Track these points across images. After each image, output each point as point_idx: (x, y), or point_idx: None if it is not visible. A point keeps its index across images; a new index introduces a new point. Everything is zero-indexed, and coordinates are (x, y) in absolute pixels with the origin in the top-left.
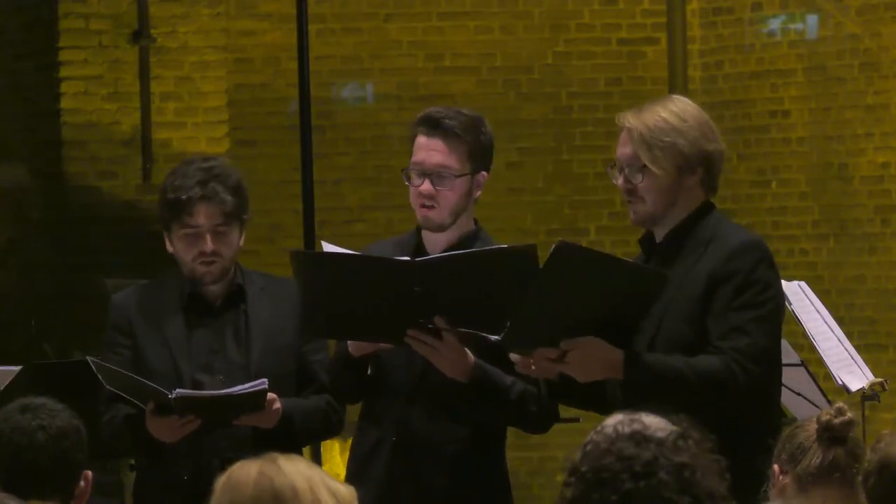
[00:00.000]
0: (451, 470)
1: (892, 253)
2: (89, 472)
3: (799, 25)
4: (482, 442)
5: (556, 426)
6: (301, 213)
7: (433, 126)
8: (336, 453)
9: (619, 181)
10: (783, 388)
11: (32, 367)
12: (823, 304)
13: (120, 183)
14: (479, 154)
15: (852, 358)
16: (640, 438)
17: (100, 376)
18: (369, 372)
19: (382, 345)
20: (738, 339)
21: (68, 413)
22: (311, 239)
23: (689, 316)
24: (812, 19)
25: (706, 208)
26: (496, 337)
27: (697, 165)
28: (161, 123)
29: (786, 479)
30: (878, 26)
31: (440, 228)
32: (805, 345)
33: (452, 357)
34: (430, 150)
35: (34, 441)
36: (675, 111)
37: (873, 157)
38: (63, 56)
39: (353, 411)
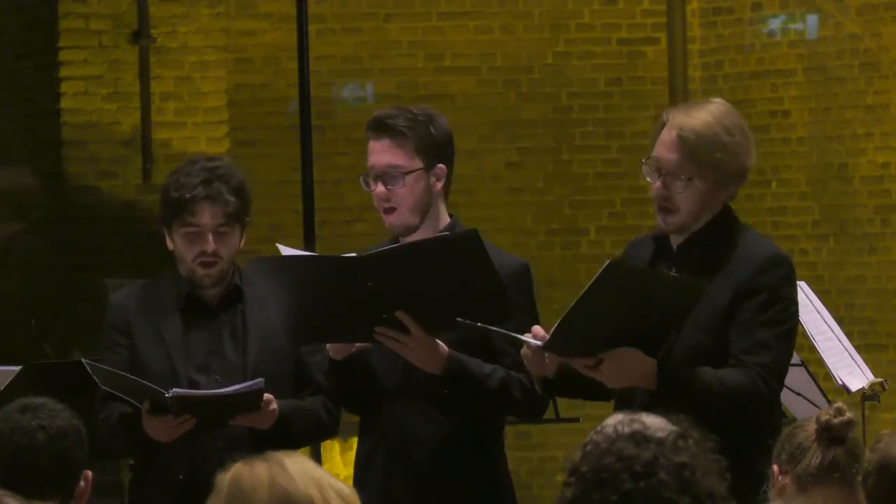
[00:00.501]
0: (447, 466)
1: (892, 253)
2: (89, 472)
3: (799, 25)
4: (475, 436)
5: (556, 426)
6: (301, 213)
7: (378, 128)
8: (336, 453)
9: (656, 184)
10: (783, 388)
11: (32, 367)
12: (823, 304)
13: (120, 183)
14: (430, 148)
15: (852, 358)
16: (640, 438)
17: (95, 378)
18: (356, 372)
19: (359, 345)
20: (763, 355)
21: (68, 413)
22: (311, 239)
23: (709, 326)
24: (812, 19)
25: (726, 214)
26: (538, 343)
27: (734, 181)
28: (161, 123)
29: (785, 480)
30: (878, 26)
31: (407, 230)
32: (805, 345)
33: (422, 350)
34: (378, 151)
35: (34, 441)
36: (725, 123)
37: (873, 157)
38: (63, 56)
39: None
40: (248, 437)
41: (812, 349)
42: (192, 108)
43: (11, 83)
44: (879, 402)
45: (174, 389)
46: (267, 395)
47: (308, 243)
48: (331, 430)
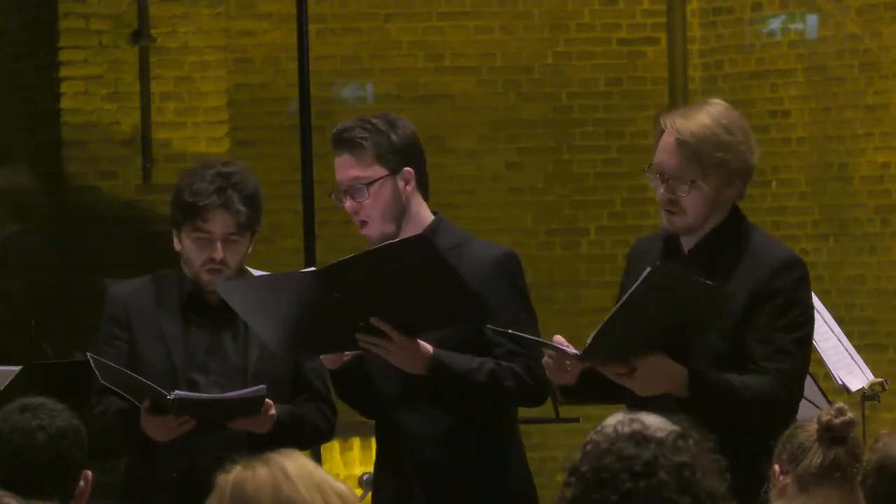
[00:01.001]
0: (454, 466)
1: (892, 253)
2: (89, 472)
3: (799, 25)
4: (479, 433)
5: (557, 426)
6: (301, 213)
7: (337, 143)
8: (336, 453)
9: (661, 190)
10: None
11: (32, 367)
12: (823, 304)
13: (120, 183)
14: (391, 153)
15: (852, 358)
16: (640, 438)
17: (97, 373)
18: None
19: (349, 353)
20: (783, 360)
21: (68, 413)
22: (311, 239)
23: (725, 329)
24: (812, 19)
25: (736, 216)
26: (575, 351)
27: (739, 179)
28: (161, 123)
29: (786, 480)
30: (878, 26)
31: (386, 238)
32: None
33: (405, 353)
34: (340, 167)
35: (34, 441)
36: (724, 122)
37: (873, 157)
38: (63, 56)
39: (350, 412)
40: (244, 437)
41: (812, 349)
42: (192, 108)
43: (11, 83)
44: (879, 402)
45: (176, 391)
46: (266, 401)
47: (308, 243)
48: (327, 435)
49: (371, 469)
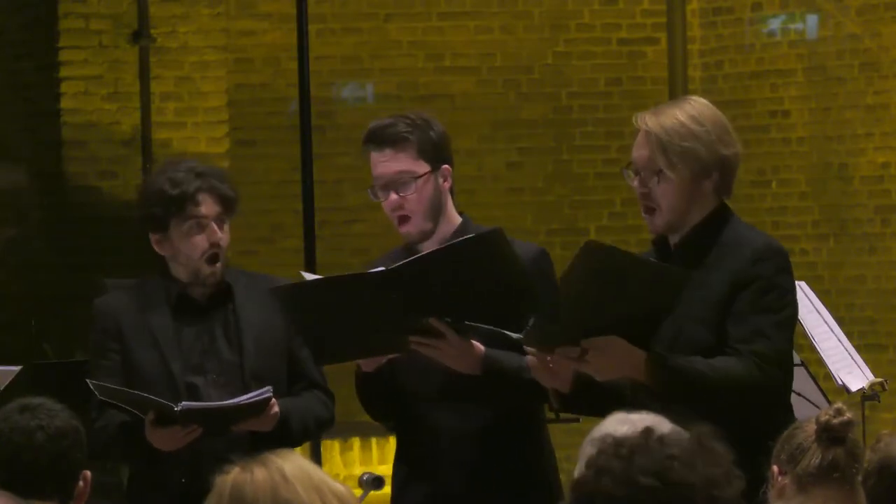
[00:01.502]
0: (492, 461)
1: (892, 253)
2: (88, 473)
3: (799, 25)
4: (519, 430)
5: (556, 426)
6: (301, 213)
7: (378, 139)
8: (336, 453)
9: (635, 184)
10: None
11: (32, 367)
12: (823, 304)
13: (120, 183)
14: (432, 149)
15: (852, 358)
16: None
17: (98, 395)
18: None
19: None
20: (758, 342)
21: (67, 413)
22: (311, 239)
23: (708, 319)
24: (812, 19)
25: (721, 211)
26: (518, 335)
27: (713, 170)
28: (161, 123)
29: (785, 480)
30: (878, 26)
31: (423, 236)
32: (805, 345)
33: (458, 353)
34: (382, 162)
35: (33, 441)
36: (693, 114)
37: (873, 157)
38: (63, 56)
39: (364, 413)
40: (248, 437)
41: (812, 349)
42: (192, 108)
43: (11, 83)
44: (879, 402)
45: (183, 403)
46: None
47: (308, 243)
48: (328, 423)
49: (371, 469)
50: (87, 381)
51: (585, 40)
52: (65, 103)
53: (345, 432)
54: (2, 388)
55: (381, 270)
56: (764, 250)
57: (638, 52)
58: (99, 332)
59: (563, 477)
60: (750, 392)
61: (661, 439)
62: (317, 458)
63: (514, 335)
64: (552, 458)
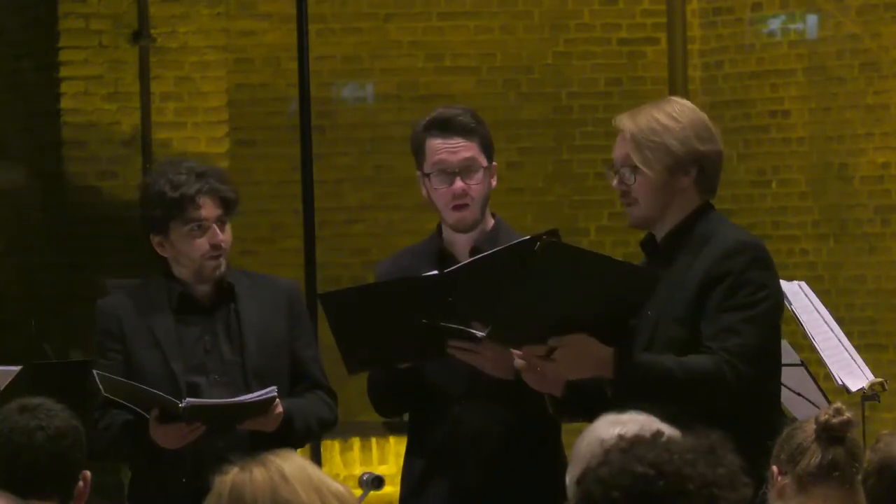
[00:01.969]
0: (514, 461)
1: (892, 253)
2: (88, 473)
3: (799, 25)
4: (539, 433)
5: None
6: (301, 213)
7: (446, 127)
8: (336, 453)
9: (615, 182)
10: (783, 388)
11: (32, 367)
12: (823, 304)
13: (120, 183)
14: (489, 146)
15: (852, 358)
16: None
17: (102, 388)
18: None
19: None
20: (728, 339)
21: (67, 413)
22: (311, 239)
23: (683, 317)
24: (812, 19)
25: (704, 210)
26: (481, 333)
27: (689, 166)
28: (161, 123)
29: (785, 480)
30: (878, 26)
31: (474, 226)
32: (805, 345)
33: (496, 358)
34: (451, 148)
35: (33, 441)
36: (669, 112)
37: (873, 157)
38: (63, 56)
39: (364, 413)
40: (250, 437)
41: (812, 349)
42: (192, 108)
43: (11, 83)
44: (879, 402)
45: (188, 399)
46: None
47: (308, 243)
48: (331, 424)
49: (371, 469)
50: (94, 371)
51: (585, 40)
52: (65, 103)
53: (345, 432)
54: (2, 388)
55: (435, 274)
56: (734, 245)
57: (638, 52)
58: (101, 332)
59: None
60: (718, 389)
61: (664, 436)
62: (317, 458)
63: (479, 333)
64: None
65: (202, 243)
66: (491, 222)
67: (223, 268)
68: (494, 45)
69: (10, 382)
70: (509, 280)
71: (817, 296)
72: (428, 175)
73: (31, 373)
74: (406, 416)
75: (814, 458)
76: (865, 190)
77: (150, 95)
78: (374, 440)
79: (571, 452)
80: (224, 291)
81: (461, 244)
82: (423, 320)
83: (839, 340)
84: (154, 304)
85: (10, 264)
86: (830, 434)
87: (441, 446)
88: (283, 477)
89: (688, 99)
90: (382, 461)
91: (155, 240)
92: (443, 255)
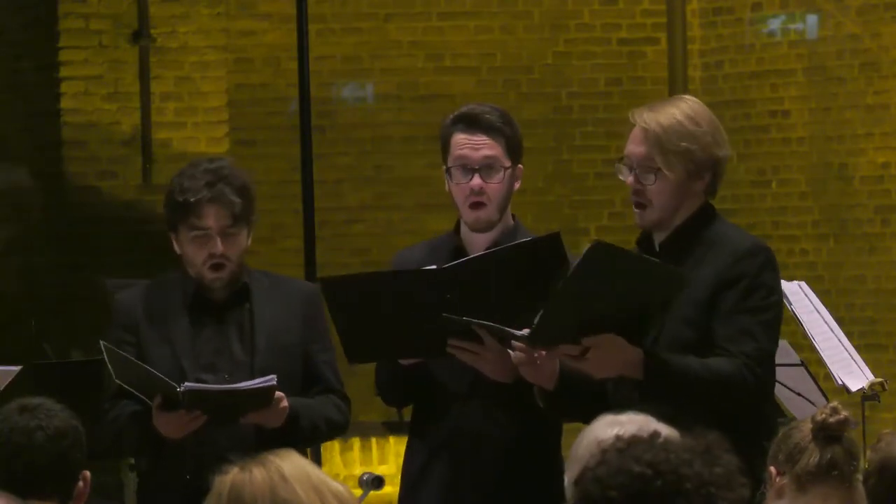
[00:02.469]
0: (512, 465)
1: (892, 253)
2: (87, 473)
3: (799, 25)
4: (539, 435)
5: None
6: (301, 213)
7: (472, 122)
8: (336, 453)
9: (629, 180)
10: (783, 387)
11: (32, 367)
12: (823, 304)
13: (120, 183)
14: (516, 147)
15: (852, 358)
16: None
17: (109, 365)
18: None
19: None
20: (746, 343)
21: (66, 413)
22: (311, 239)
23: (691, 318)
24: (812, 19)
25: (707, 210)
26: (522, 332)
27: (706, 171)
28: (161, 123)
29: (783, 480)
30: (878, 26)
31: (490, 227)
32: (805, 345)
33: (495, 360)
34: (474, 145)
35: (33, 441)
36: (691, 114)
37: (873, 157)
38: (63, 56)
39: (364, 413)
40: (255, 436)
41: (812, 349)
42: (192, 108)
43: (11, 83)
44: (879, 402)
45: (186, 383)
46: (278, 393)
47: (308, 243)
48: (342, 427)
49: (371, 469)
50: (102, 343)
51: (585, 40)
52: (65, 103)
53: (345, 432)
54: (2, 388)
55: (432, 269)
56: (749, 248)
57: (638, 52)
58: (116, 325)
59: None
60: (738, 392)
61: (661, 436)
62: (317, 458)
63: (518, 332)
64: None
65: (202, 251)
66: (509, 224)
67: (225, 277)
68: (494, 45)
69: (10, 382)
70: (517, 278)
71: (817, 296)
72: (449, 170)
73: (31, 373)
74: (407, 415)
75: (812, 457)
76: (865, 190)
77: (150, 95)
78: (374, 440)
79: (570, 453)
80: (240, 291)
81: (478, 243)
82: (444, 315)
83: (839, 340)
84: (170, 300)
85: (10, 264)
86: (828, 433)
87: (440, 444)
88: (283, 477)
89: None
90: (382, 461)
91: (170, 235)
92: (459, 253)
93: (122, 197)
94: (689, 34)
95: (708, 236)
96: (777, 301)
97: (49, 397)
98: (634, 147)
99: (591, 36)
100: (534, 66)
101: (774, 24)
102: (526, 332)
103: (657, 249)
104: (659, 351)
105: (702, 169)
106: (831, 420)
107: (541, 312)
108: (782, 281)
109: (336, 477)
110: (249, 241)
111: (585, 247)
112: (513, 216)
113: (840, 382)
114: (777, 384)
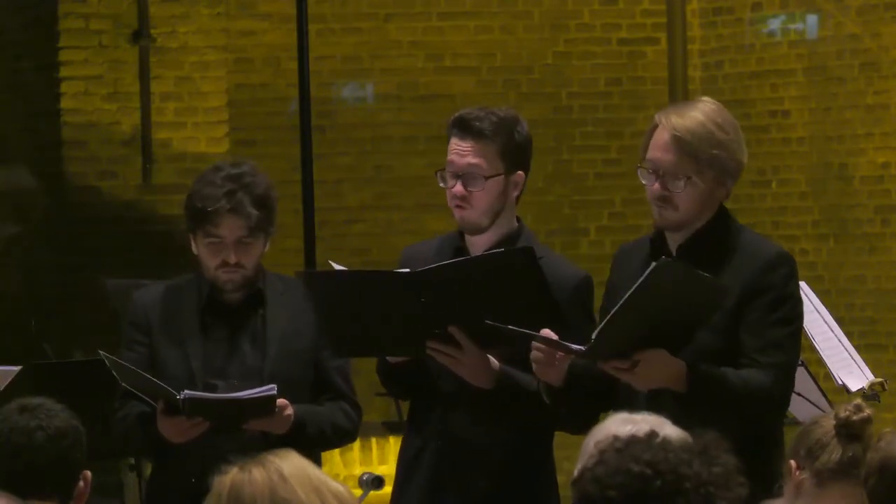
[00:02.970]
0: (495, 474)
1: (892, 253)
2: (88, 473)
3: (799, 25)
4: (526, 445)
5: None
6: (301, 213)
7: (463, 128)
8: (336, 453)
9: (655, 186)
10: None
11: (32, 367)
12: (823, 304)
13: (120, 183)
14: (512, 154)
15: (852, 358)
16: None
17: (113, 372)
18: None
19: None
20: (777, 355)
21: (67, 413)
22: (311, 239)
23: (717, 326)
24: (812, 19)
25: (723, 214)
26: (580, 347)
27: (731, 178)
28: (161, 123)
29: (803, 475)
30: (878, 26)
31: (477, 229)
32: (805, 345)
33: (474, 366)
34: (460, 151)
35: (33, 441)
36: (719, 121)
37: (873, 157)
38: (63, 56)
39: (364, 413)
40: (262, 440)
41: (812, 349)
42: (192, 108)
43: (11, 83)
44: (879, 402)
45: (186, 391)
46: (282, 401)
47: (308, 243)
48: (350, 434)
49: (371, 469)
50: (102, 354)
51: (585, 40)
52: (65, 103)
53: (354, 440)
54: (2, 388)
55: (406, 272)
56: (775, 257)
57: (638, 52)
58: (130, 324)
59: (562, 478)
60: (770, 404)
61: (659, 436)
62: (317, 458)
63: (574, 346)
64: (553, 475)
65: (216, 259)
66: (507, 229)
67: (239, 280)
68: (494, 45)
69: (10, 382)
70: (485, 288)
71: (817, 296)
72: (442, 171)
73: (31, 373)
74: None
75: (833, 454)
76: (865, 190)
77: (150, 95)
78: (374, 440)
79: (580, 450)
80: (254, 296)
81: (479, 245)
82: (488, 322)
83: (839, 340)
84: (185, 303)
85: (10, 264)
86: (850, 431)
87: (427, 442)
88: (282, 477)
89: (688, 99)
90: (382, 461)
91: (189, 237)
92: (459, 253)
93: (122, 197)
94: (689, 34)
95: (729, 242)
96: (801, 312)
97: (49, 397)
98: (662, 154)
99: (591, 36)
100: (534, 66)
101: (774, 24)
102: (579, 347)
103: (672, 252)
104: (700, 364)
105: (728, 175)
106: (854, 418)
107: (600, 326)
108: None
109: (336, 477)
110: (268, 247)
111: (612, 253)
112: (518, 219)
113: (840, 382)
114: None
